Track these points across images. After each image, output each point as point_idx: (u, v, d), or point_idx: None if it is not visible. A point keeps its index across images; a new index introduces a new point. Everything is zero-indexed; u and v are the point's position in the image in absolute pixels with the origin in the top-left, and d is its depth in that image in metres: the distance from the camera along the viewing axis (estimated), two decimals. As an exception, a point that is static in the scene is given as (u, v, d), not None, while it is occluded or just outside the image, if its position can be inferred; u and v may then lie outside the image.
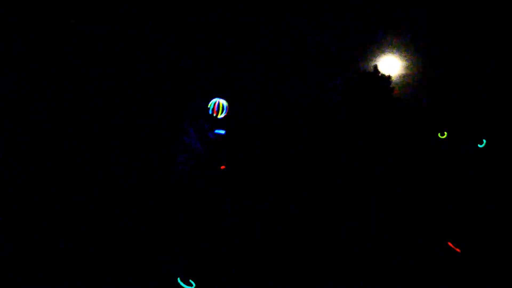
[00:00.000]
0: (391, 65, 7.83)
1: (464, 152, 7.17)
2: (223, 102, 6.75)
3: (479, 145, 7.01)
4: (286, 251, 7.04)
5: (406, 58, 7.81)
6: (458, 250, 6.80)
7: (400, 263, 6.90)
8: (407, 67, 7.80)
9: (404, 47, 7.81)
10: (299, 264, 6.95)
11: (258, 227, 7.22)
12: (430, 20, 7.77)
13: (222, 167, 7.19)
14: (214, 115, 6.70)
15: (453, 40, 7.68)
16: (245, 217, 7.28)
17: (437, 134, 7.08)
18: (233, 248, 7.09)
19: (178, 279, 6.47)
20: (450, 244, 6.83)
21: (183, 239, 6.97)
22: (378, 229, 7.11)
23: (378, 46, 7.83)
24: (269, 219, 7.25)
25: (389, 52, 7.83)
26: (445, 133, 7.02)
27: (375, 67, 7.76)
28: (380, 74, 7.68)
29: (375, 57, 7.86)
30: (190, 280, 6.44)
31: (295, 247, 7.10)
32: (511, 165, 7.31)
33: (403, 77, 7.79)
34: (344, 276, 6.88)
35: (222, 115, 6.71)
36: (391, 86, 7.71)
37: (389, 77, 7.70)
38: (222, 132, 6.93)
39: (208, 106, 6.72)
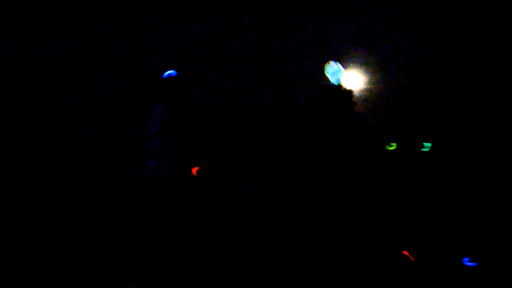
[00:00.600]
0: (353, 79, 7.91)
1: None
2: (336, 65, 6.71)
3: (422, 149, 7.05)
4: (286, 251, 7.04)
5: (368, 73, 7.88)
6: (412, 259, 6.83)
7: (400, 263, 6.90)
8: (369, 82, 7.88)
9: (367, 62, 7.91)
10: (299, 264, 6.95)
11: (257, 227, 7.22)
12: (395, 34, 7.87)
13: (195, 168, 7.13)
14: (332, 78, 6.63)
15: (417, 54, 7.79)
16: (244, 217, 7.28)
17: (385, 147, 7.14)
18: (232, 248, 7.09)
19: None
20: (405, 253, 6.85)
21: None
22: (378, 229, 7.11)
23: (342, 60, 7.90)
24: (269, 219, 7.25)
25: (353, 67, 7.91)
26: (394, 144, 7.05)
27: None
28: (342, 89, 7.74)
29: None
30: None
31: (295, 247, 7.10)
32: (511, 165, 7.32)
33: (365, 91, 7.87)
34: (344, 276, 6.88)
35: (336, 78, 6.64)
36: (352, 100, 7.77)
37: (350, 91, 7.78)
38: (173, 73, 6.88)
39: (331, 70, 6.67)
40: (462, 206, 7.18)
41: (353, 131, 7.45)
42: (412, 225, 7.15)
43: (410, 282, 6.83)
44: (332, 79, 6.86)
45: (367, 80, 7.86)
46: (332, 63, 6.86)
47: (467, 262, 6.70)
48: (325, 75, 6.93)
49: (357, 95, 7.75)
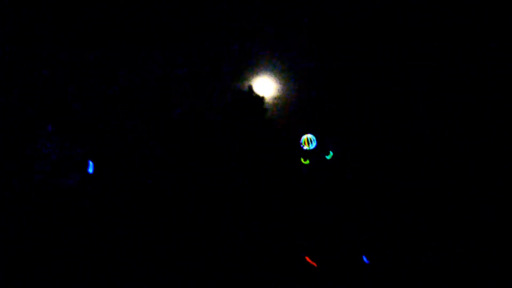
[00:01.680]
0: (265, 86, 8.05)
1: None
2: (311, 136, 6.98)
3: (326, 157, 7.19)
4: (286, 251, 7.05)
5: (279, 81, 8.03)
6: (314, 264, 6.88)
7: (400, 263, 6.91)
8: (280, 90, 8.02)
9: (278, 69, 8.07)
10: (299, 264, 6.95)
11: (258, 228, 7.23)
12: (307, 42, 8.03)
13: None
14: (305, 147, 6.93)
15: (329, 62, 7.97)
16: (244, 218, 7.29)
17: (301, 159, 7.29)
18: (233, 248, 7.10)
19: None
20: (307, 258, 6.91)
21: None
22: (378, 229, 7.11)
23: (254, 67, 8.05)
24: (269, 219, 7.26)
25: (264, 73, 8.04)
26: (307, 160, 7.25)
27: (250, 87, 7.98)
28: (254, 95, 7.92)
29: (251, 77, 8.06)
30: None
31: (295, 247, 7.10)
32: (511, 165, 7.32)
33: (276, 99, 8.01)
34: (344, 276, 6.89)
35: (311, 147, 6.94)
36: (264, 107, 7.93)
37: (262, 98, 7.93)
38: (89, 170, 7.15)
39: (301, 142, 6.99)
40: (462, 206, 7.19)
41: (264, 135, 7.71)
42: (412, 225, 7.16)
43: (410, 282, 6.84)
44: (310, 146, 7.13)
45: (278, 87, 8.09)
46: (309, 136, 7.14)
47: (364, 259, 6.83)
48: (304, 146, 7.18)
49: (268, 101, 8.01)
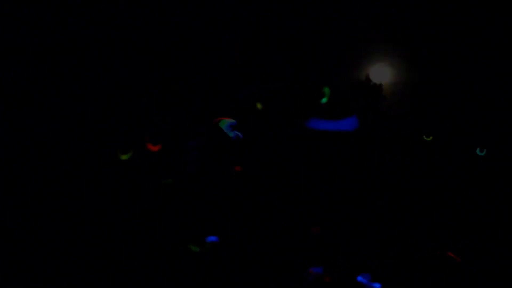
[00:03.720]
0: (382, 73, 7.90)
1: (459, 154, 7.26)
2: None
3: (479, 153, 7.08)
4: (287, 251, 7.05)
5: (397, 66, 7.90)
6: (458, 259, 6.85)
7: (400, 263, 6.92)
8: (398, 75, 7.90)
9: (395, 55, 7.93)
10: (299, 264, 6.96)
11: (259, 227, 7.23)
12: (421, 26, 7.89)
13: (238, 168, 7.21)
14: None
15: (445, 45, 7.80)
16: (247, 217, 7.28)
17: (423, 137, 7.17)
18: (233, 248, 7.10)
19: None
20: (450, 254, 6.87)
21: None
22: (379, 229, 7.12)
23: (370, 54, 7.94)
24: (269, 219, 7.26)
25: (381, 60, 7.93)
26: (430, 137, 7.12)
27: (367, 75, 7.87)
28: (372, 83, 7.80)
29: (367, 65, 7.96)
30: None
31: (295, 247, 7.11)
32: (511, 166, 7.34)
33: (394, 85, 7.90)
34: (344, 276, 6.90)
35: None
36: (382, 94, 7.79)
37: (380, 85, 7.81)
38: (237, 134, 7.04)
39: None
40: (462, 206, 7.20)
41: (382, 125, 7.57)
42: (412, 225, 7.17)
43: (409, 282, 6.85)
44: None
45: (395, 73, 7.90)
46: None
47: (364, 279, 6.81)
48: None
49: (386, 88, 7.83)
